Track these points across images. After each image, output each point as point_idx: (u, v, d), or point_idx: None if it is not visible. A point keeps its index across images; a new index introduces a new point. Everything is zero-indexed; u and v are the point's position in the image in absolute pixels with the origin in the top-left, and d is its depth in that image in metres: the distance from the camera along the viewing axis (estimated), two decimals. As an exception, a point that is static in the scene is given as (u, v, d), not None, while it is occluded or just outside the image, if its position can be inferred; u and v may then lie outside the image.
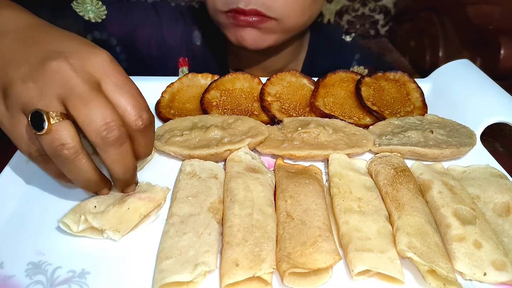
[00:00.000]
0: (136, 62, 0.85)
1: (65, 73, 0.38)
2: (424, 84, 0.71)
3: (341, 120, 0.61)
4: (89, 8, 0.79)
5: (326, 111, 0.62)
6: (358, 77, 0.69)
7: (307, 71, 0.71)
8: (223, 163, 0.54)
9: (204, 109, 0.63)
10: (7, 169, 0.50)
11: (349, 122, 0.61)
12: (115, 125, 0.38)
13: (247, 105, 0.65)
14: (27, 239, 0.43)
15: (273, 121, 0.62)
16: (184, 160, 0.53)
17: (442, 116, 0.63)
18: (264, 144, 0.55)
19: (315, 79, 0.69)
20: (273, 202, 0.47)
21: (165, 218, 0.46)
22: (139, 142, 0.43)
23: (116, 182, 0.44)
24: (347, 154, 0.54)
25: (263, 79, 0.69)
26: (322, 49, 0.90)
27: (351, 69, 0.72)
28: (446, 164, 0.55)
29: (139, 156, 0.45)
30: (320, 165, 0.55)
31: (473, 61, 0.74)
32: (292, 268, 0.37)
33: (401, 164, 0.52)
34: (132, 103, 0.40)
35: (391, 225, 0.44)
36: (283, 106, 0.64)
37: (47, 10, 0.75)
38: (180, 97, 0.67)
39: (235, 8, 0.69)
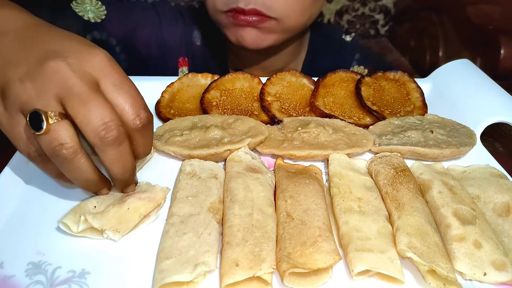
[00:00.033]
0: (136, 62, 0.85)
1: (63, 73, 0.38)
2: (424, 84, 0.71)
3: (341, 120, 0.61)
4: (88, 8, 0.79)
5: (326, 111, 0.62)
6: (358, 77, 0.69)
7: (307, 71, 0.71)
8: (223, 163, 0.54)
9: (204, 109, 0.63)
10: (7, 169, 0.50)
11: (349, 122, 0.61)
12: (114, 125, 0.38)
13: (247, 105, 0.65)
14: (27, 239, 0.43)
15: (273, 121, 0.62)
16: (184, 160, 0.53)
17: (442, 116, 0.63)
18: (264, 144, 0.55)
19: (315, 79, 0.69)
20: (273, 202, 0.47)
21: (165, 218, 0.46)
22: (138, 141, 0.43)
23: (116, 182, 0.44)
24: (347, 154, 0.54)
25: (263, 79, 0.69)
26: (322, 49, 0.90)
27: (351, 69, 0.72)
28: (446, 164, 0.55)
29: (138, 155, 0.45)
30: (320, 165, 0.55)
31: (473, 61, 0.74)
32: (292, 268, 0.37)
33: (401, 164, 0.52)
34: (130, 102, 0.40)
35: (391, 225, 0.44)
36: (283, 106, 0.64)
37: (46, 10, 0.75)
38: (180, 97, 0.67)
39: (235, 7, 0.69)
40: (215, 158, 0.53)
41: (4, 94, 0.39)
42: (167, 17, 0.85)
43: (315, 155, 0.54)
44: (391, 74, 0.71)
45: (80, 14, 0.79)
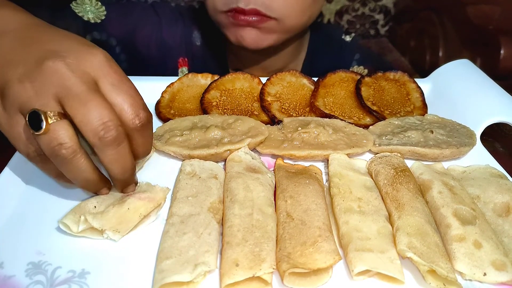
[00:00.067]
0: (136, 63, 0.85)
1: (62, 73, 0.38)
2: (424, 84, 0.71)
3: (341, 120, 0.61)
4: (88, 8, 0.79)
5: (326, 111, 0.62)
6: (358, 77, 0.69)
7: (306, 71, 0.71)
8: (223, 163, 0.54)
9: (204, 109, 0.63)
10: (7, 169, 0.50)
11: (349, 122, 0.61)
12: (113, 125, 0.38)
13: (247, 105, 0.65)
14: (27, 239, 0.43)
15: (273, 121, 0.62)
16: (184, 160, 0.53)
17: (442, 116, 0.63)
18: (264, 144, 0.55)
19: (315, 79, 0.69)
20: (273, 202, 0.47)
21: (165, 218, 0.46)
22: (138, 141, 0.43)
23: (115, 182, 0.44)
24: (347, 154, 0.54)
25: (263, 79, 0.69)
26: (322, 49, 0.90)
27: (350, 69, 0.72)
28: (446, 164, 0.55)
29: (138, 155, 0.45)
30: (320, 165, 0.55)
31: (473, 61, 0.74)
32: (292, 268, 0.37)
33: (401, 164, 0.52)
34: (129, 102, 0.40)
35: (391, 225, 0.44)
36: (283, 106, 0.64)
37: (46, 10, 0.75)
38: (180, 97, 0.67)
39: (235, 7, 0.69)
40: (215, 158, 0.53)
41: (3, 94, 0.39)
42: (167, 18, 0.85)
43: (315, 155, 0.54)
44: (391, 74, 0.71)
45: (80, 14, 0.79)
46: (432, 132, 0.57)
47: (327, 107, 0.64)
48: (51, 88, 0.38)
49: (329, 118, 0.61)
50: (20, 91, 0.38)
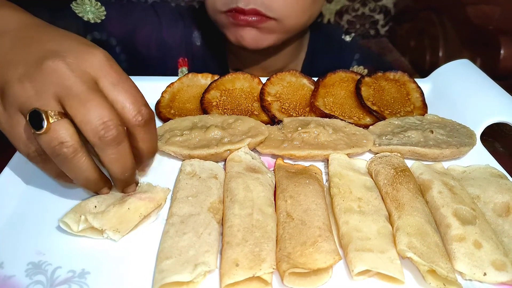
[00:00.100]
0: (136, 63, 0.85)
1: (62, 73, 0.38)
2: (424, 84, 0.71)
3: (341, 120, 0.61)
4: (88, 9, 0.79)
5: (326, 111, 0.62)
6: (358, 77, 0.69)
7: (306, 71, 0.71)
8: (223, 163, 0.54)
9: (204, 109, 0.63)
10: (7, 169, 0.50)
11: (349, 122, 0.61)
12: (113, 124, 0.38)
13: (247, 105, 0.65)
14: (27, 239, 0.43)
15: (273, 121, 0.62)
16: (184, 160, 0.53)
17: (442, 116, 0.63)
18: (264, 144, 0.55)
19: (315, 79, 0.69)
20: (273, 202, 0.47)
21: (165, 218, 0.46)
22: (142, 137, 0.43)
23: (116, 182, 0.44)
24: (347, 154, 0.54)
25: (263, 79, 0.69)
26: (321, 49, 0.90)
27: (350, 69, 0.72)
28: (446, 164, 0.55)
29: (144, 152, 0.44)
30: (320, 165, 0.55)
31: (473, 61, 0.74)
32: (292, 268, 0.37)
33: (401, 164, 0.52)
34: (130, 99, 0.41)
35: (391, 225, 0.44)
36: (283, 106, 0.64)
37: (46, 10, 0.75)
38: (180, 97, 0.67)
39: (235, 7, 0.69)
40: (215, 158, 0.53)
41: (3, 94, 0.39)
42: (167, 18, 0.85)
43: (315, 155, 0.54)
44: (391, 74, 0.71)
45: (80, 15, 0.79)
46: (432, 132, 0.57)
47: (327, 107, 0.64)
48: (51, 87, 0.38)
49: (329, 118, 0.61)
50: (20, 91, 0.38)
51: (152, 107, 0.64)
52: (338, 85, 0.68)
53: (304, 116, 0.63)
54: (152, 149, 0.45)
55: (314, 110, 0.63)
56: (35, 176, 0.49)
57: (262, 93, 0.65)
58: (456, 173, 0.53)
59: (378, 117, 0.62)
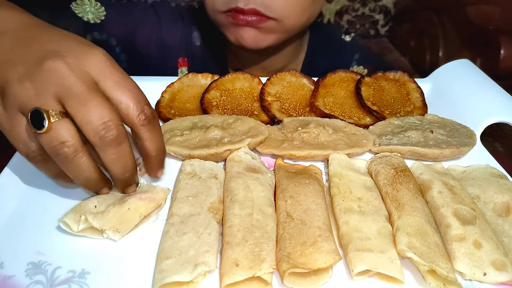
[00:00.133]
0: (136, 63, 0.85)
1: (62, 73, 0.38)
2: (424, 84, 0.71)
3: (341, 120, 0.61)
4: (88, 9, 0.79)
5: (326, 111, 0.62)
6: (358, 77, 0.69)
7: (306, 71, 0.71)
8: (223, 163, 0.54)
9: (204, 109, 0.63)
10: (7, 169, 0.50)
11: (349, 122, 0.61)
12: (113, 124, 0.38)
13: (247, 105, 0.65)
14: (27, 239, 0.43)
15: (273, 121, 0.62)
16: (184, 160, 0.53)
17: (442, 116, 0.63)
18: (264, 144, 0.55)
19: (315, 79, 0.69)
20: (273, 202, 0.47)
21: (165, 218, 0.46)
22: (147, 137, 0.43)
23: (116, 182, 0.44)
24: (347, 154, 0.54)
25: (263, 79, 0.69)
26: (321, 49, 0.90)
27: (350, 69, 0.72)
28: (446, 164, 0.55)
29: (152, 152, 0.44)
30: (320, 165, 0.55)
31: (473, 61, 0.74)
32: (292, 268, 0.37)
33: (401, 164, 0.52)
34: (133, 99, 0.41)
35: (391, 225, 0.44)
36: (283, 106, 0.64)
37: (46, 11, 0.75)
38: (180, 97, 0.67)
39: (234, 7, 0.69)
40: (215, 158, 0.53)
41: (3, 94, 0.39)
42: (167, 18, 0.85)
43: (315, 155, 0.54)
44: (391, 74, 0.71)
45: (80, 15, 0.79)
46: (432, 132, 0.57)
47: (327, 107, 0.64)
48: (51, 87, 0.38)
49: (329, 118, 0.61)
50: (21, 90, 0.38)
51: (152, 107, 0.64)
52: (338, 85, 0.68)
53: (304, 116, 0.63)
54: (159, 147, 0.45)
55: (314, 110, 0.63)
56: (35, 176, 0.49)
57: (262, 93, 0.65)
58: (456, 173, 0.53)
59: (378, 117, 0.62)
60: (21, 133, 0.40)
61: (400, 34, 1.14)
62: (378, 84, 0.69)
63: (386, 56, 1.08)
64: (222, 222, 0.44)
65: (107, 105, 0.39)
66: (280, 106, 0.64)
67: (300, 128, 0.57)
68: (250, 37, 0.72)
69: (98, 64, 0.40)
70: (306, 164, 0.54)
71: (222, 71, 0.71)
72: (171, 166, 0.54)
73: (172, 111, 0.64)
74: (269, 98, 0.65)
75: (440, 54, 1.02)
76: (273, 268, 0.38)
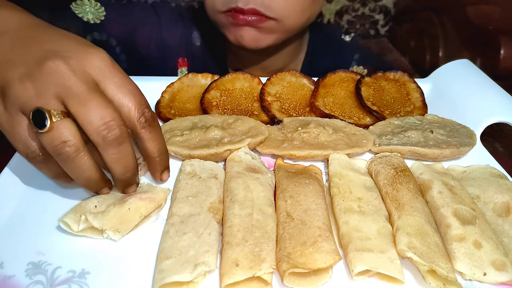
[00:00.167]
0: (136, 63, 0.85)
1: (62, 73, 0.38)
2: (424, 84, 0.71)
3: (341, 120, 0.61)
4: (88, 9, 0.79)
5: (326, 111, 0.62)
6: (358, 77, 0.69)
7: (306, 71, 0.71)
8: (223, 163, 0.54)
9: (204, 109, 0.63)
10: (7, 169, 0.50)
11: (349, 122, 0.61)
12: (116, 124, 0.39)
13: (247, 105, 0.65)
14: (27, 239, 0.43)
15: (273, 121, 0.62)
16: (184, 160, 0.53)
17: (442, 116, 0.63)
18: (264, 144, 0.55)
19: (315, 79, 0.69)
20: (273, 202, 0.47)
21: (165, 218, 0.46)
22: (148, 138, 0.43)
23: (117, 182, 0.44)
24: (347, 154, 0.54)
25: (263, 79, 0.69)
26: (321, 49, 0.90)
27: (350, 69, 0.72)
28: (446, 164, 0.55)
29: (153, 153, 0.44)
30: (320, 165, 0.55)
31: (473, 61, 0.74)
32: (292, 268, 0.37)
33: (401, 164, 0.52)
34: (135, 102, 0.41)
35: (391, 225, 0.44)
36: (283, 106, 0.64)
37: (46, 11, 0.75)
38: (181, 97, 0.67)
39: (234, 7, 0.69)
40: (215, 158, 0.53)
41: (4, 94, 0.39)
42: (167, 18, 0.85)
43: (315, 155, 0.54)
44: (391, 74, 0.71)
45: (80, 15, 0.79)
46: (432, 132, 0.57)
47: (327, 107, 0.64)
48: (52, 87, 0.38)
49: (329, 118, 0.61)
50: (22, 90, 0.38)
51: (152, 107, 0.64)
52: (338, 85, 0.68)
53: (304, 116, 0.63)
54: (160, 148, 0.45)
55: (314, 110, 0.63)
56: (35, 176, 0.49)
57: (262, 93, 0.65)
58: (456, 173, 0.53)
59: (378, 117, 0.62)
60: (21, 133, 0.40)
61: (400, 34, 1.14)
62: (378, 84, 0.69)
63: (386, 56, 1.08)
64: (222, 222, 0.44)
65: (109, 105, 0.39)
66: (280, 106, 0.64)
67: (300, 128, 0.57)
68: (250, 37, 0.72)
69: (99, 65, 0.40)
70: (306, 164, 0.54)
71: (222, 71, 0.71)
72: (171, 166, 0.53)
73: (172, 111, 0.64)
74: (269, 98, 0.65)
75: (440, 54, 1.02)
76: (273, 268, 0.38)
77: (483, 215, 0.45)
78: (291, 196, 0.46)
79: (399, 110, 0.65)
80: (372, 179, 0.51)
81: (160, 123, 0.61)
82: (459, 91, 0.67)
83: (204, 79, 0.70)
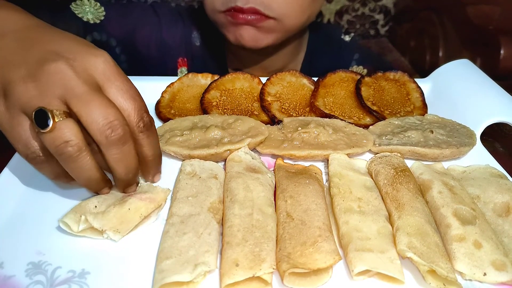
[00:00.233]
0: (136, 63, 0.85)
1: (64, 74, 0.38)
2: (424, 84, 0.71)
3: (341, 120, 0.61)
4: (87, 9, 0.79)
5: (326, 111, 0.62)
6: (358, 77, 0.69)
7: (306, 71, 0.71)
8: (223, 163, 0.54)
9: (204, 109, 0.63)
10: (6, 169, 0.50)
11: (349, 122, 0.61)
12: (119, 124, 0.39)
13: (247, 105, 0.65)
14: (27, 239, 0.43)
15: (273, 121, 0.62)
16: (184, 160, 0.53)
17: (442, 116, 0.63)
18: (264, 144, 0.55)
19: (315, 79, 0.69)
20: (273, 202, 0.47)
21: (165, 218, 0.46)
22: (145, 142, 0.43)
23: (118, 182, 0.45)
24: (347, 154, 0.54)
25: (263, 79, 0.69)
26: (321, 49, 0.90)
27: (350, 69, 0.72)
28: (446, 164, 0.55)
29: (148, 158, 0.45)
30: (320, 165, 0.55)
31: (473, 61, 0.74)
32: (292, 268, 0.37)
33: (401, 164, 0.52)
34: (135, 106, 0.41)
35: (391, 225, 0.44)
36: (283, 106, 0.64)
37: (46, 11, 0.75)
38: (180, 97, 0.67)
39: (234, 6, 0.69)
40: (215, 158, 0.53)
41: (5, 94, 0.40)
42: (167, 18, 0.85)
43: (315, 155, 0.54)
44: (391, 74, 0.71)
45: (80, 15, 0.79)
46: (432, 132, 0.57)
47: (327, 107, 0.64)
48: (54, 88, 0.38)
49: (329, 118, 0.61)
50: (24, 91, 0.38)
51: (152, 107, 0.64)
52: (338, 85, 0.68)
53: (304, 116, 0.63)
54: (155, 152, 0.46)
55: (314, 110, 0.63)
56: (35, 176, 0.49)
57: (262, 93, 0.65)
58: (456, 173, 0.53)
59: (378, 117, 0.62)
60: (22, 133, 0.40)
61: (400, 34, 1.14)
62: (378, 84, 0.69)
63: (386, 56, 1.08)
64: (222, 222, 0.44)
65: (112, 105, 0.39)
66: (280, 106, 0.64)
67: (300, 128, 0.57)
68: (249, 36, 0.72)
69: (102, 67, 0.41)
70: (306, 164, 0.54)
71: (222, 71, 0.72)
72: (171, 166, 0.54)
73: (172, 111, 0.64)
74: (269, 98, 0.65)
75: (440, 54, 1.02)
76: (273, 268, 0.38)
77: (483, 215, 0.45)
78: (291, 196, 0.46)
79: (399, 110, 0.65)
80: (372, 179, 0.51)
81: (160, 123, 0.61)
82: (459, 91, 0.67)
83: (204, 79, 0.70)
